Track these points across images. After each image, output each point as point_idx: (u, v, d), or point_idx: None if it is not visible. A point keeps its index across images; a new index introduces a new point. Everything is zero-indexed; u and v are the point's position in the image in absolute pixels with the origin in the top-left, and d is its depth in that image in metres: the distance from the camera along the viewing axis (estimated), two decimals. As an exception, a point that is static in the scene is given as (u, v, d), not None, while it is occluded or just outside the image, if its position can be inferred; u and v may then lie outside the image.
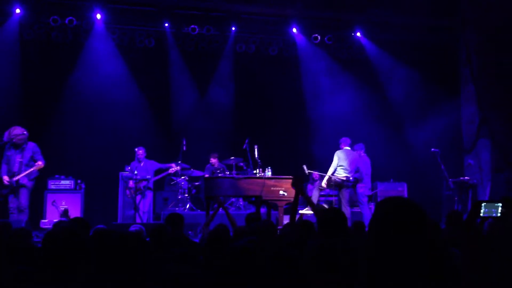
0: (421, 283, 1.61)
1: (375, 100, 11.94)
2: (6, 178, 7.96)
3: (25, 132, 8.05)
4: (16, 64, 10.43)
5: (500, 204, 2.50)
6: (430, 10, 11.11)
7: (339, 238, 3.15)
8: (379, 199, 10.83)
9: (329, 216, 3.50)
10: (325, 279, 2.46)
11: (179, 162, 9.86)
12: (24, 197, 8.03)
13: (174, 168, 9.70)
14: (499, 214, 2.49)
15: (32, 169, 8.06)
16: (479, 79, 11.12)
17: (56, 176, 9.74)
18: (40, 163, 8.06)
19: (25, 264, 3.29)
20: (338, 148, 9.36)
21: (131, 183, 9.25)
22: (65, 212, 6.27)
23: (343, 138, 9.40)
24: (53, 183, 9.69)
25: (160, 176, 9.74)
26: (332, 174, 8.98)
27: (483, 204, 2.47)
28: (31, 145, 8.18)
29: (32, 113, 10.40)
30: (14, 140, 7.98)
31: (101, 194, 10.55)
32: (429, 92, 11.79)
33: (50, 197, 9.47)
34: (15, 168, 8.01)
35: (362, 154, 9.92)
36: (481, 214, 2.49)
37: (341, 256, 2.54)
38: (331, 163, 9.16)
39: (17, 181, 7.97)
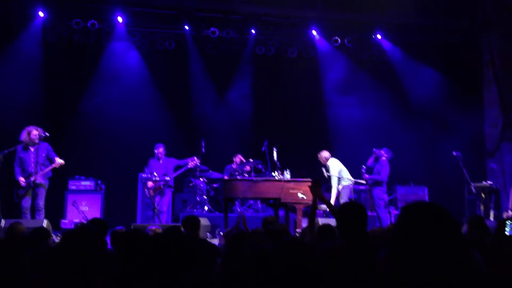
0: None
1: (396, 102, 11.81)
2: (22, 179, 7.99)
3: (43, 133, 8.15)
4: (38, 66, 10.59)
5: None
6: (452, 11, 10.97)
7: (355, 239, 3.10)
8: (399, 203, 10.70)
9: (345, 211, 3.41)
10: (339, 282, 2.43)
11: (195, 158, 9.69)
12: (41, 197, 8.08)
13: (193, 162, 9.51)
14: None
15: (51, 166, 8.13)
16: (502, 81, 10.91)
17: (77, 176, 9.86)
18: (61, 161, 8.14)
19: (44, 264, 3.32)
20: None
21: (150, 183, 9.25)
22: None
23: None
24: (73, 183, 9.80)
25: (180, 171, 9.59)
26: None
27: (508, 222, 2.40)
28: (44, 144, 8.25)
29: (54, 114, 10.55)
30: (28, 140, 8.05)
31: (121, 194, 10.65)
32: (451, 95, 11.61)
33: (70, 198, 9.58)
34: (31, 168, 8.05)
35: (384, 158, 9.76)
36: (507, 233, 2.42)
37: (356, 258, 2.51)
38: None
39: (34, 180, 8.04)
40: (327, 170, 9.17)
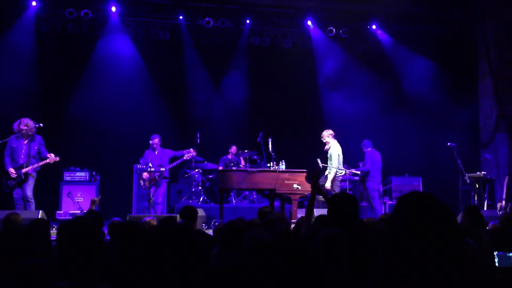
0: (440, 277, 1.56)
1: (391, 93, 11.81)
2: (12, 171, 7.90)
3: (36, 125, 8.09)
4: (32, 56, 10.51)
5: None
6: (447, 1, 10.95)
7: (347, 227, 3.12)
8: (393, 194, 10.74)
9: (338, 202, 3.46)
10: (334, 269, 2.44)
11: (191, 149, 9.62)
12: (30, 188, 7.98)
13: (189, 154, 9.41)
14: None
15: (45, 162, 8.05)
16: (497, 72, 10.94)
17: (72, 168, 9.81)
18: (56, 158, 8.09)
19: (45, 255, 3.31)
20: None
21: (145, 174, 9.20)
22: (93, 202, 6.27)
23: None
24: (68, 174, 9.76)
25: (175, 163, 9.48)
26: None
27: (495, 253, 2.42)
28: (38, 137, 8.18)
29: (48, 104, 10.48)
30: (23, 131, 7.96)
31: (116, 185, 10.61)
32: (446, 86, 11.63)
33: (65, 189, 9.54)
34: (22, 160, 7.96)
35: (370, 149, 9.80)
36: (497, 265, 2.43)
37: (349, 246, 2.52)
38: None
39: (26, 173, 7.97)
40: (328, 155, 8.92)
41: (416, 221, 1.59)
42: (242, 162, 10.62)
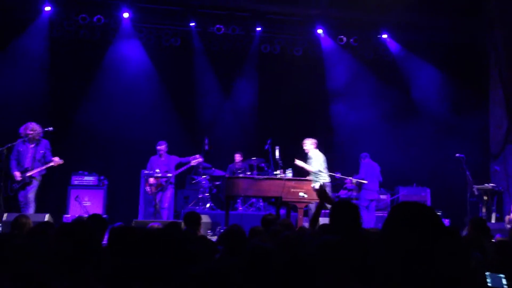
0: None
1: (400, 102, 11.75)
2: (18, 174, 7.98)
3: (43, 129, 8.17)
4: (44, 61, 10.64)
5: (503, 276, 2.46)
6: (457, 10, 10.90)
7: (348, 235, 3.11)
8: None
9: (339, 210, 3.46)
10: (332, 276, 2.44)
11: (198, 156, 9.63)
12: (32, 190, 8.04)
13: (195, 160, 9.44)
14: (505, 287, 2.44)
15: (49, 165, 8.13)
16: (508, 81, 10.84)
17: (80, 172, 9.89)
18: (60, 161, 8.16)
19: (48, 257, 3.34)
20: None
21: (151, 179, 9.24)
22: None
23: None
24: (76, 179, 9.83)
25: (182, 169, 9.53)
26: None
27: (487, 274, 2.43)
28: (45, 141, 8.25)
29: (58, 108, 10.59)
30: (30, 136, 8.05)
31: (124, 190, 10.68)
32: (456, 95, 11.56)
33: (73, 193, 9.61)
34: (28, 163, 8.04)
35: (366, 160, 9.94)
36: (489, 285, 2.45)
37: (348, 253, 2.52)
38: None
39: (30, 176, 8.04)
40: (307, 159, 8.69)
41: (405, 230, 1.61)
42: (248, 169, 10.62)
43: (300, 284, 2.52)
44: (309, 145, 8.83)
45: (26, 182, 8.03)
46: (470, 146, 10.57)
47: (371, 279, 1.78)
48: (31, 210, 7.95)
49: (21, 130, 8.09)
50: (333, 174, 9.31)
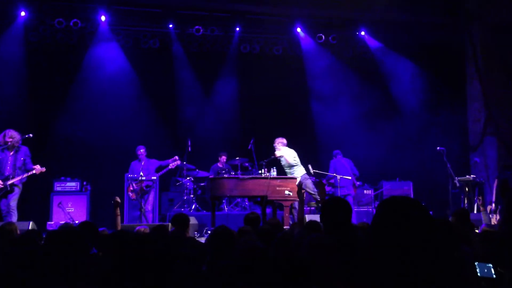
0: (427, 281, 1.59)
1: (380, 98, 11.90)
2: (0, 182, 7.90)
3: (22, 136, 8.06)
4: (21, 66, 10.47)
5: (491, 265, 2.50)
6: (435, 7, 11.07)
7: (338, 232, 3.14)
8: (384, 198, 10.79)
9: (329, 207, 3.44)
10: (324, 274, 2.46)
11: (176, 157, 9.69)
12: (14, 198, 7.94)
13: (174, 162, 9.54)
14: (494, 276, 2.49)
15: (30, 173, 8.02)
16: (484, 76, 11.06)
17: (62, 178, 9.77)
18: (42, 169, 8.05)
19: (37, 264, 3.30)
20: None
21: (133, 185, 9.24)
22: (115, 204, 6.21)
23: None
24: (59, 185, 9.71)
25: (162, 172, 9.63)
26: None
27: (476, 263, 2.48)
28: (24, 149, 8.16)
29: (37, 114, 10.44)
30: (9, 143, 7.94)
31: (107, 195, 10.52)
32: (434, 90, 11.75)
33: (56, 199, 9.48)
34: (8, 171, 7.94)
35: (334, 159, 10.24)
36: (479, 275, 2.49)
37: (339, 250, 2.54)
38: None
39: (11, 184, 7.93)
40: (278, 159, 8.88)
41: (394, 224, 1.63)
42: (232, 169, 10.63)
43: (295, 283, 2.54)
44: (278, 144, 9.00)
45: (7, 191, 7.91)
46: (450, 139, 10.76)
47: (362, 276, 1.80)
48: (14, 218, 7.83)
49: (0, 137, 7.96)
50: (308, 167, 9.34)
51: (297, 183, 8.45)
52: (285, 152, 8.90)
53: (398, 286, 1.57)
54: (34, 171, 8.03)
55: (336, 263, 2.52)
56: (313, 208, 10.05)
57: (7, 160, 7.98)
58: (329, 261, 2.50)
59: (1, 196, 7.92)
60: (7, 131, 8.03)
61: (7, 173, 7.93)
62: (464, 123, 11.61)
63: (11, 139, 7.94)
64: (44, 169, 8.11)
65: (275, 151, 8.99)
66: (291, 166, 8.88)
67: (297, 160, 8.99)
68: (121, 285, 2.75)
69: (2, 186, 7.87)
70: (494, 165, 10.79)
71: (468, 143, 11.46)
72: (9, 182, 7.89)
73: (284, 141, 9.06)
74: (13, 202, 7.94)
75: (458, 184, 9.39)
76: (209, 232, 7.02)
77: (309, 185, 8.88)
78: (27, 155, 8.14)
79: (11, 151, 8.02)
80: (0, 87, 10.17)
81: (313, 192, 8.90)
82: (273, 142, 9.08)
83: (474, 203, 9.17)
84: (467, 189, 9.50)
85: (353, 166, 10.24)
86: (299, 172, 8.85)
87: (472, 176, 9.79)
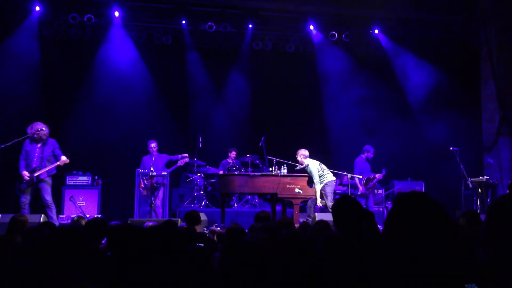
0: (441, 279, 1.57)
1: (393, 97, 11.80)
2: (26, 174, 7.98)
3: (47, 128, 8.15)
4: (35, 61, 10.56)
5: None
6: (450, 5, 10.95)
7: (351, 230, 3.12)
8: (396, 198, 10.71)
9: (341, 206, 3.41)
10: (337, 272, 2.44)
11: (186, 155, 9.70)
12: (47, 192, 8.09)
13: (183, 159, 9.57)
14: None
15: (55, 164, 8.14)
16: (499, 75, 10.92)
17: (74, 172, 9.84)
18: (66, 160, 8.14)
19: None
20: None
21: (144, 181, 9.29)
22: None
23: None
24: (70, 179, 9.78)
25: (172, 168, 9.68)
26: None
27: (466, 286, 2.43)
28: (52, 141, 8.27)
29: (51, 108, 10.52)
30: (35, 135, 8.05)
31: (118, 189, 10.65)
32: (448, 89, 11.62)
33: (67, 193, 9.55)
34: (35, 163, 8.05)
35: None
36: None
37: (352, 249, 2.52)
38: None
39: (38, 176, 8.03)
40: (305, 170, 8.79)
41: (410, 219, 1.61)
42: (242, 166, 10.64)
43: (308, 282, 2.52)
44: (299, 156, 8.90)
45: (33, 182, 8.00)
46: (463, 140, 10.65)
47: (376, 275, 1.78)
48: (53, 211, 8.04)
49: (28, 129, 8.08)
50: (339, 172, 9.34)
51: (318, 199, 8.42)
52: (309, 163, 8.77)
53: (412, 284, 1.55)
54: (58, 163, 8.13)
55: (352, 261, 2.49)
56: (322, 206, 9.97)
57: (34, 152, 8.09)
58: (345, 259, 2.48)
59: (27, 188, 8.02)
60: (34, 123, 8.16)
61: (34, 165, 8.05)
62: (478, 123, 11.47)
63: (38, 132, 8.03)
64: (68, 160, 8.22)
65: (298, 162, 8.90)
66: (318, 175, 8.69)
67: (322, 167, 8.79)
68: (125, 278, 2.76)
69: (29, 178, 7.96)
70: (508, 166, 10.65)
71: (481, 144, 11.33)
72: (36, 174, 8.00)
73: (306, 153, 8.92)
74: (48, 196, 8.09)
75: (471, 185, 9.27)
76: (218, 228, 7.02)
77: (329, 192, 8.71)
78: (56, 147, 8.26)
79: (39, 143, 8.13)
80: (14, 81, 10.26)
81: (329, 203, 8.56)
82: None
83: (487, 205, 9.06)
84: (480, 190, 9.37)
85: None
86: (327, 179, 8.74)
87: (485, 177, 9.65)
